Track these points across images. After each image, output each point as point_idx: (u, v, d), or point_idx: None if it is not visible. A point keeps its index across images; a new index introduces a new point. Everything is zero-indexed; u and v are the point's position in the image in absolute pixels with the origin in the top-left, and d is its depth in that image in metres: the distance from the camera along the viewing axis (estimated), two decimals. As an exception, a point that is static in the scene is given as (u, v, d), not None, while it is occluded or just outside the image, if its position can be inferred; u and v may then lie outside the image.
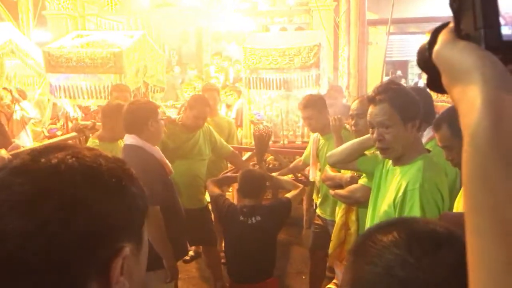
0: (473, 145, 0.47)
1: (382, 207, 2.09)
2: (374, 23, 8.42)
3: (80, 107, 5.94)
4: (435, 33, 0.56)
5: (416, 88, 3.04)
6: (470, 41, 0.52)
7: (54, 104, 6.01)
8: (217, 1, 8.99)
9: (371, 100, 2.09)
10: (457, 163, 2.13)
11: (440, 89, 0.55)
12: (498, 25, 0.51)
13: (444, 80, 0.54)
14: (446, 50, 0.53)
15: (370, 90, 6.46)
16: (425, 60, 0.57)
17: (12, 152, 2.94)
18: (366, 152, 2.51)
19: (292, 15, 9.04)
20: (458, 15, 0.53)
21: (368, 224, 2.26)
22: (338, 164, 2.62)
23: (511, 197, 0.44)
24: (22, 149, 3.15)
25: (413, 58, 11.15)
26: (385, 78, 7.73)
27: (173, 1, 8.73)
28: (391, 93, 2.04)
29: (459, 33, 0.53)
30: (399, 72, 10.20)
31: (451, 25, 0.54)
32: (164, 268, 2.73)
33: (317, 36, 5.35)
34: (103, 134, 3.40)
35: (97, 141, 3.35)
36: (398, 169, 2.08)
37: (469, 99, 0.49)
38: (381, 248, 0.68)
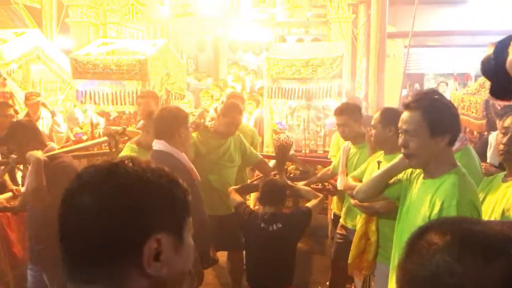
0: None
1: (416, 220, 2.03)
2: (392, 35, 8.47)
3: (101, 113, 6.04)
4: (501, 46, 0.63)
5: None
6: None
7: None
8: (235, 11, 9.11)
9: (406, 105, 2.06)
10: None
11: (503, 95, 0.63)
12: None
13: None
14: None
15: (387, 101, 6.52)
16: (491, 68, 0.64)
17: (48, 154, 3.01)
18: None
19: (309, 26, 9.13)
20: None
21: (397, 237, 2.23)
22: (368, 200, 2.57)
23: None
24: (57, 151, 3.23)
25: (428, 71, 11.20)
26: (403, 91, 7.76)
27: (193, 10, 8.86)
28: (426, 103, 1.99)
29: None
30: (417, 85, 10.20)
31: None
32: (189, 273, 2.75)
33: (339, 47, 5.42)
34: (142, 140, 3.42)
35: (135, 146, 3.40)
36: (429, 182, 2.04)
37: None
38: (433, 252, 0.70)
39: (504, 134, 2.13)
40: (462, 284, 0.65)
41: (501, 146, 2.08)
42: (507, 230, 0.74)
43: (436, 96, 2.04)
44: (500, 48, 0.63)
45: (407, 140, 2.02)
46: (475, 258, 0.66)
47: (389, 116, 2.89)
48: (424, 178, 2.09)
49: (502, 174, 2.14)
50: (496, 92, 0.65)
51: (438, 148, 1.98)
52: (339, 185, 3.64)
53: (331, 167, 3.96)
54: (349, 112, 3.55)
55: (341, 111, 3.59)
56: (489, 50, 0.65)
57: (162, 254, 0.80)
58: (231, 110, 3.74)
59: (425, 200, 2.00)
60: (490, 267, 0.64)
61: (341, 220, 3.66)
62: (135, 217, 0.78)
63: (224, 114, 3.74)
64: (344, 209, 3.61)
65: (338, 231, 3.69)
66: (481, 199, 2.11)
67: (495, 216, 2.04)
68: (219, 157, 3.72)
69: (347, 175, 3.58)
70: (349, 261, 2.96)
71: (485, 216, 2.06)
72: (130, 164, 0.83)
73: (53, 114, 5.40)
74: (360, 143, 3.48)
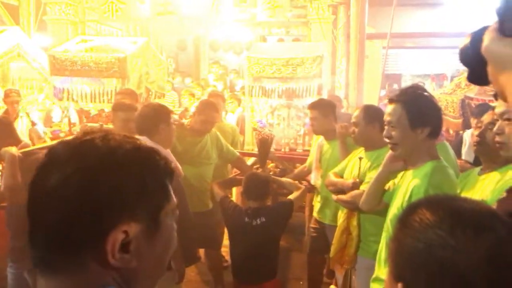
0: None
1: (392, 210, 2.14)
2: (372, 36, 8.60)
3: (80, 111, 5.97)
4: (477, 35, 0.70)
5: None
6: None
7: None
8: (216, 10, 9.10)
9: (390, 99, 2.18)
10: None
11: (479, 81, 0.71)
12: None
13: (491, 70, 0.67)
14: (495, 45, 0.66)
15: (367, 101, 6.62)
16: (468, 57, 0.71)
17: (22, 150, 2.98)
18: None
19: (289, 26, 9.18)
20: (503, 19, 0.66)
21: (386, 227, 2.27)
22: (373, 210, 2.56)
23: None
24: (32, 147, 3.20)
25: (406, 72, 11.40)
26: (382, 91, 7.89)
27: (174, 9, 8.83)
28: (408, 96, 2.11)
29: (504, 33, 0.66)
30: (395, 86, 10.38)
31: (494, 26, 0.67)
32: (171, 270, 2.74)
33: (319, 48, 5.48)
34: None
35: None
36: (409, 172, 2.14)
37: None
38: (426, 226, 0.74)
39: (479, 128, 2.23)
40: (453, 256, 0.69)
41: (475, 138, 2.18)
42: (489, 206, 0.80)
43: (419, 91, 2.14)
44: (477, 37, 0.69)
45: (390, 131, 2.13)
46: (466, 232, 0.70)
47: (373, 113, 2.98)
48: (407, 168, 2.18)
49: (478, 169, 2.22)
50: (473, 78, 0.72)
51: (418, 140, 2.07)
52: (313, 180, 3.69)
53: (307, 164, 4.01)
54: (320, 107, 3.63)
55: (313, 106, 3.69)
56: (467, 40, 0.71)
57: (131, 245, 0.72)
58: (206, 108, 3.76)
59: (403, 188, 2.10)
60: (479, 241, 0.68)
61: (314, 214, 3.72)
62: (96, 206, 0.70)
63: (199, 111, 3.76)
64: (318, 204, 3.66)
65: (312, 225, 3.75)
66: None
67: None
68: (195, 154, 3.74)
69: (321, 172, 3.64)
70: (331, 255, 3.02)
71: None
72: (100, 142, 0.75)
73: (33, 123, 5.31)
74: (333, 139, 3.54)
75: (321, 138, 3.75)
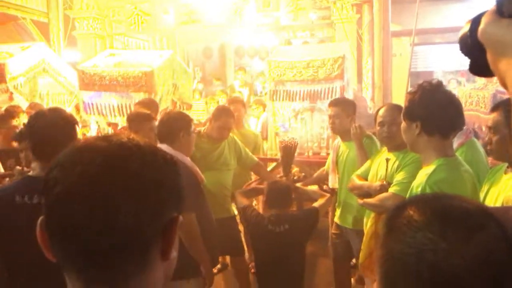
0: None
1: None
2: (397, 34, 8.41)
3: (109, 124, 6.10)
4: (475, 21, 0.63)
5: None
6: None
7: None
8: (240, 16, 9.14)
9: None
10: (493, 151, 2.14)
11: (481, 72, 0.62)
12: None
13: (490, 56, 0.60)
14: (492, 27, 0.60)
15: (395, 100, 6.46)
16: (467, 45, 0.63)
17: None
18: None
19: (314, 29, 9.11)
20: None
21: None
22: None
23: None
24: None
25: (437, 69, 11.06)
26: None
27: (198, 18, 8.92)
28: (412, 92, 2.11)
29: (502, 14, 0.59)
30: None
31: (492, 9, 0.60)
32: (199, 276, 2.74)
33: (341, 48, 5.39)
34: None
35: None
36: (421, 170, 2.09)
37: None
38: (414, 229, 0.69)
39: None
40: (446, 259, 0.65)
41: (488, 146, 2.15)
42: (477, 202, 0.75)
43: (425, 85, 2.07)
44: (475, 23, 0.63)
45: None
46: (457, 233, 0.66)
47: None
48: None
49: (504, 165, 2.12)
50: (475, 69, 0.65)
51: (414, 134, 2.06)
52: (331, 183, 3.59)
53: (325, 166, 3.92)
54: (343, 105, 3.53)
55: (335, 103, 3.60)
56: (466, 27, 0.65)
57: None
58: (223, 114, 3.74)
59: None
60: (473, 241, 0.64)
61: (335, 219, 3.62)
62: (162, 200, 0.70)
63: (215, 118, 3.74)
64: (338, 209, 3.56)
65: (333, 231, 3.66)
66: (485, 191, 2.12)
67: None
68: (213, 161, 3.72)
69: (338, 173, 3.54)
70: (360, 261, 2.94)
71: None
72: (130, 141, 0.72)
73: None
74: (349, 140, 3.44)
75: (337, 140, 3.65)
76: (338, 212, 3.57)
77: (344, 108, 3.50)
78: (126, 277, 0.68)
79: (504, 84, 0.60)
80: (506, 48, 0.57)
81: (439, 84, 2.11)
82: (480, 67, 0.62)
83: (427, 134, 2.04)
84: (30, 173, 2.13)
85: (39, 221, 0.70)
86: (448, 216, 0.69)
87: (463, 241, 0.66)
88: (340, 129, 3.54)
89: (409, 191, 2.03)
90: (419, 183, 1.96)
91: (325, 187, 4.00)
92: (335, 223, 3.61)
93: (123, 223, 0.66)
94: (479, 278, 0.63)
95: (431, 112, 2.02)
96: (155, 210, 0.69)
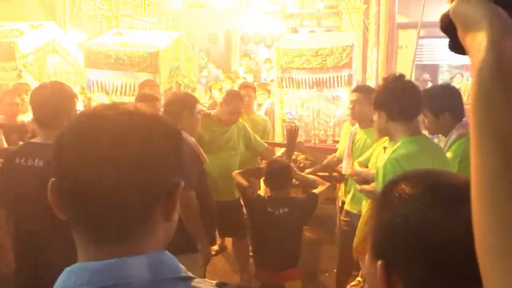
0: (479, 78, 0.55)
1: None
2: (403, 26, 8.40)
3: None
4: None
5: (447, 87, 3.17)
6: None
7: None
8: (247, 3, 9.10)
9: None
10: None
11: (460, 50, 0.66)
12: None
13: (460, 33, 0.64)
14: (461, 6, 0.63)
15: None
16: (446, 24, 0.66)
17: None
18: None
19: (321, 18, 9.09)
20: None
21: None
22: None
23: (507, 117, 0.52)
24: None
25: (443, 62, 11.05)
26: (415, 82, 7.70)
27: (204, 2, 8.89)
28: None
29: None
30: (426, 76, 10.07)
31: None
32: (196, 252, 2.79)
33: (349, 37, 5.40)
34: None
35: None
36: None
37: (478, 43, 0.58)
38: (404, 200, 0.72)
39: None
40: (434, 230, 0.67)
41: None
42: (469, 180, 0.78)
43: (388, 79, 2.47)
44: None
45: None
46: (446, 205, 0.69)
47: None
48: None
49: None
50: (452, 46, 0.68)
51: (383, 122, 2.39)
52: (344, 169, 3.63)
53: (337, 153, 3.96)
54: (366, 92, 3.52)
55: (360, 89, 3.67)
56: (447, 6, 0.68)
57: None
58: (234, 99, 3.78)
59: None
60: (460, 213, 0.66)
61: (345, 206, 3.65)
62: (169, 164, 0.77)
63: (226, 102, 3.78)
64: (349, 195, 3.60)
65: (342, 218, 3.69)
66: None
67: None
68: (222, 144, 3.77)
69: (353, 160, 3.58)
70: (354, 245, 2.99)
71: None
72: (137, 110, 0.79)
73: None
74: (367, 127, 3.47)
75: (355, 126, 3.68)
76: (348, 198, 3.60)
77: (367, 95, 3.48)
78: (134, 236, 0.74)
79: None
80: (472, 24, 0.60)
81: (400, 76, 2.46)
82: (455, 44, 0.65)
83: (392, 120, 2.35)
84: (32, 140, 2.33)
85: (49, 184, 0.75)
86: (438, 189, 0.72)
87: (451, 212, 0.68)
88: (359, 115, 3.55)
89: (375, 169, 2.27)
90: (382, 159, 2.21)
91: (334, 174, 4.05)
92: (345, 210, 3.64)
93: (134, 183, 0.71)
94: (463, 248, 0.63)
95: (392, 100, 2.33)
96: (163, 174, 0.75)
